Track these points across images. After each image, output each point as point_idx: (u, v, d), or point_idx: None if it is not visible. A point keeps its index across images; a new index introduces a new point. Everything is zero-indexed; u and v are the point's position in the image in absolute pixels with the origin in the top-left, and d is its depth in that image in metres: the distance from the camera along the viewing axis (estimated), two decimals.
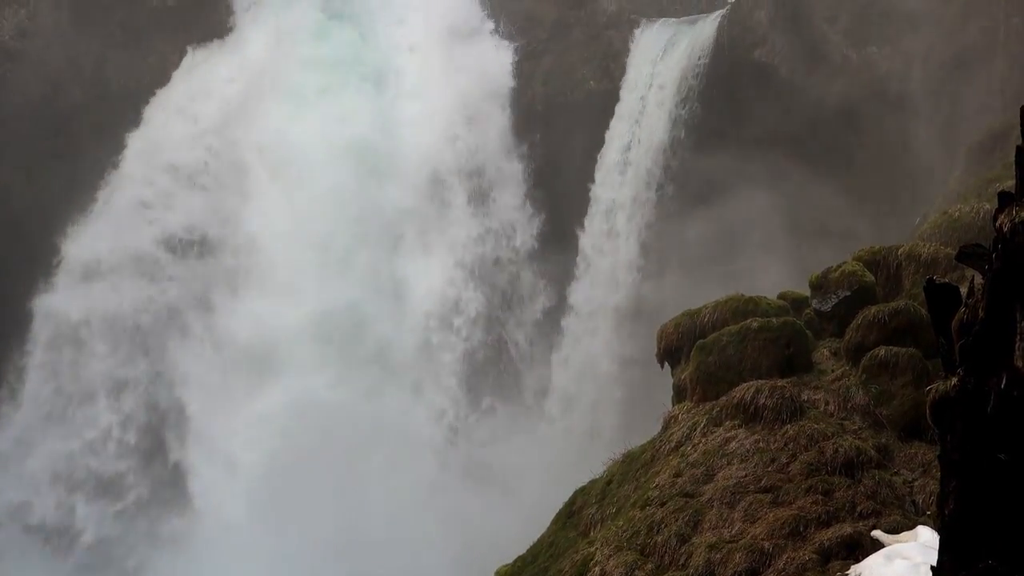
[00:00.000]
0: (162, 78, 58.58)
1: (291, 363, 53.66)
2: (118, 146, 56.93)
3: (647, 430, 24.03)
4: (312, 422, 51.41)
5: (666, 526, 19.02)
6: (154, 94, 58.19)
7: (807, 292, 24.21)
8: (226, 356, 54.53)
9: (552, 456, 50.33)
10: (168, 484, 54.06)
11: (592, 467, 24.02)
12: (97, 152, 56.84)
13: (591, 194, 55.71)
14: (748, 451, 19.57)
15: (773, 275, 40.73)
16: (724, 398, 21.23)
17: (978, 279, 8.77)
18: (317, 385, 52.75)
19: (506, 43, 59.73)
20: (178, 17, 59.50)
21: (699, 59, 54.10)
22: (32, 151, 57.74)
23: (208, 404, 53.70)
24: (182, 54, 59.00)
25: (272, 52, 58.38)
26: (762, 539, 17.67)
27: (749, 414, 20.43)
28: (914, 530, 14.86)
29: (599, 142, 55.80)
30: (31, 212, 56.34)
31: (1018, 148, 8.64)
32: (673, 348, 24.74)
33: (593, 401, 54.24)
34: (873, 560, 14.25)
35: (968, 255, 9.05)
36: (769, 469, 19.04)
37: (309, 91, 58.30)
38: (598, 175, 55.75)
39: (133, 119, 57.43)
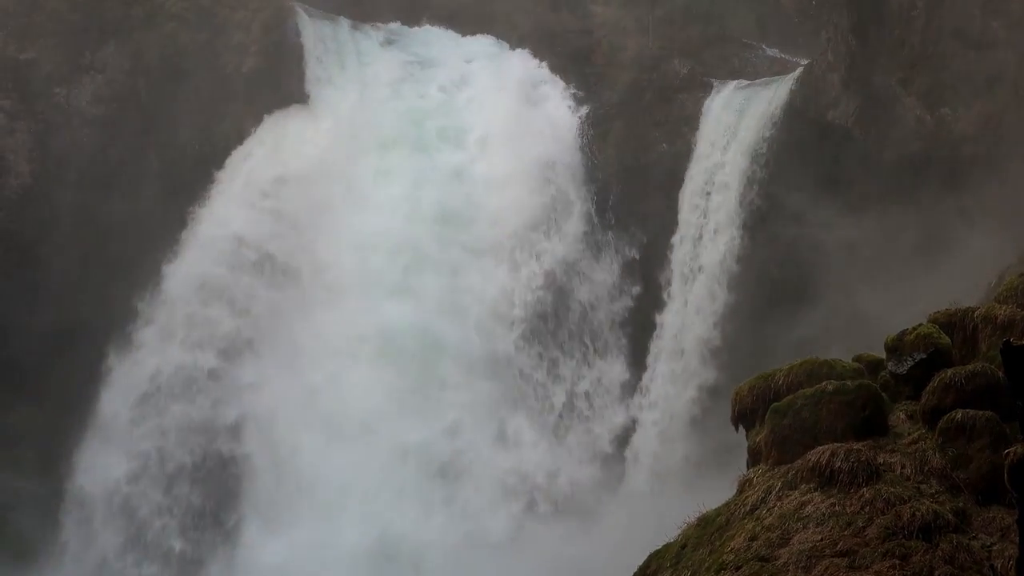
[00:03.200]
0: (237, 144, 59.19)
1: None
2: (191, 215, 57.70)
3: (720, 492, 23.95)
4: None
5: None
6: (229, 159, 58.80)
7: (882, 355, 24.07)
8: None
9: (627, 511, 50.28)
10: None
11: (665, 528, 23.95)
12: (170, 219, 57.53)
13: (669, 256, 55.70)
14: (824, 515, 19.43)
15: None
16: (799, 461, 21.11)
17: None
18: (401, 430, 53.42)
19: (578, 106, 59.97)
20: (253, 84, 60.12)
21: (772, 121, 54.07)
22: (107, 217, 58.35)
23: None
24: (257, 120, 59.59)
25: (346, 117, 58.89)
26: None
27: (825, 477, 20.30)
28: None
29: (673, 204, 55.84)
30: (109, 278, 56.92)
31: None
32: (747, 411, 24.63)
33: (668, 459, 54.05)
34: None
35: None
36: (845, 533, 18.90)
37: (383, 157, 58.70)
38: (673, 238, 55.79)
39: (207, 186, 58.05)
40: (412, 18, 65.65)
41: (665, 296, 56.01)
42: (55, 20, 60.14)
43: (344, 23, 63.09)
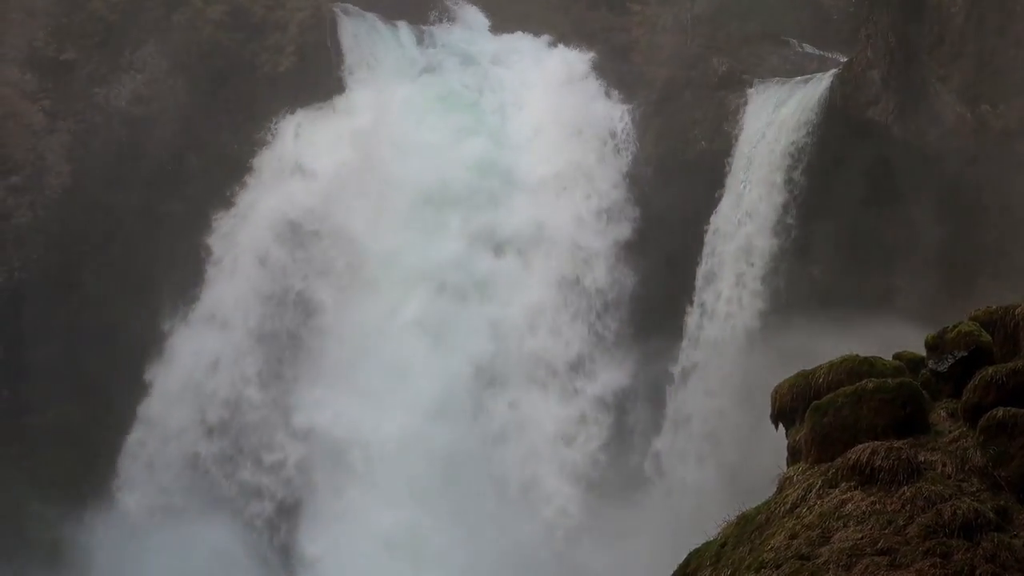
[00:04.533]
0: (276, 142, 59.36)
1: None
2: (231, 209, 57.89)
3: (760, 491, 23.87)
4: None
5: None
6: (266, 157, 59.00)
7: (923, 352, 23.97)
8: None
9: (664, 514, 50.20)
10: None
11: (704, 527, 23.90)
12: (211, 215, 57.76)
13: (703, 253, 55.59)
14: (864, 513, 19.34)
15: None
16: (839, 459, 21.01)
17: None
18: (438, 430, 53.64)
19: (618, 104, 59.90)
20: (290, 83, 60.27)
21: (811, 118, 53.90)
22: (149, 215, 58.62)
23: None
24: (296, 118, 59.74)
25: (380, 115, 58.99)
26: None
27: (865, 475, 20.20)
28: None
29: (712, 202, 55.74)
30: (149, 278, 57.16)
31: None
32: (787, 409, 24.54)
33: (704, 460, 53.95)
34: None
35: None
36: (886, 531, 18.80)
37: (420, 155, 58.77)
38: (710, 234, 55.66)
39: (245, 182, 58.26)
40: (449, 16, 65.63)
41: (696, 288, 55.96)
42: (94, 20, 60.41)
43: (380, 21, 63.15)
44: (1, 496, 55.06)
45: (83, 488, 56.08)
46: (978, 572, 17.57)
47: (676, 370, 55.83)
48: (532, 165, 58.77)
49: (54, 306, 58.09)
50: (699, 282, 55.77)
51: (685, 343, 55.85)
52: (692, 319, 55.69)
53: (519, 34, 63.92)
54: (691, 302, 55.82)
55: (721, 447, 52.99)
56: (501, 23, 64.70)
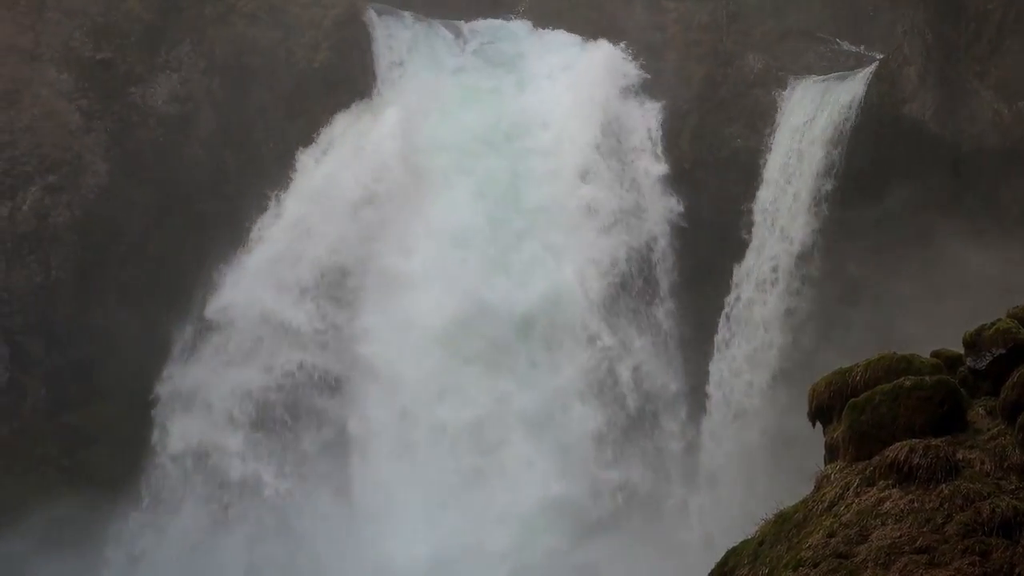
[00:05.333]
0: (311, 139, 59.43)
1: None
2: (268, 209, 57.98)
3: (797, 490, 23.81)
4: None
5: None
6: (303, 155, 59.06)
7: (961, 350, 23.87)
8: None
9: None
10: None
11: (744, 526, 23.84)
12: (249, 214, 57.86)
13: (741, 249, 55.50)
14: (902, 511, 19.26)
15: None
16: (877, 458, 20.93)
17: None
18: None
19: (653, 102, 59.79)
20: (326, 80, 60.32)
21: (848, 115, 53.74)
22: (187, 214, 58.82)
23: None
24: (330, 116, 59.78)
25: (418, 111, 59.00)
26: None
27: (903, 474, 20.12)
28: None
29: (748, 200, 55.64)
30: (186, 276, 57.33)
31: None
32: (824, 407, 24.46)
33: (743, 459, 53.88)
34: None
35: None
36: (924, 530, 18.73)
37: (456, 151, 58.78)
38: (746, 233, 55.59)
39: (283, 181, 58.34)
40: (483, 13, 65.63)
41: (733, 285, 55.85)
42: (130, 20, 60.59)
43: (415, 18, 63.18)
44: (38, 496, 55.30)
45: (121, 487, 56.27)
46: (1017, 570, 17.49)
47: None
48: (566, 163, 58.67)
49: (91, 305, 58.36)
50: (735, 280, 55.73)
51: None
52: (722, 332, 55.80)
53: (553, 31, 63.83)
54: (725, 305, 55.81)
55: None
56: (535, 21, 64.64)
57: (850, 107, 53.99)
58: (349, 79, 60.84)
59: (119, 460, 56.58)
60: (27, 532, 53.35)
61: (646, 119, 59.51)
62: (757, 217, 55.58)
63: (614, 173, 58.56)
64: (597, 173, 58.55)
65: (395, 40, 62.17)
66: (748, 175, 56.23)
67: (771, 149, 56.21)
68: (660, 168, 58.67)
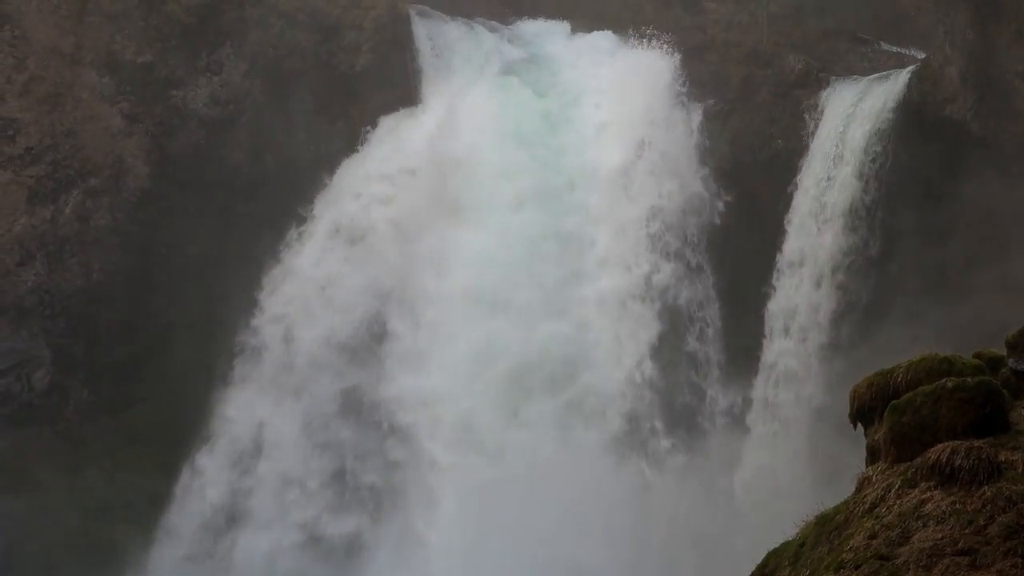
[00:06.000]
0: (352, 143, 59.53)
1: None
2: (309, 211, 58.13)
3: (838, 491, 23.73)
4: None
5: None
6: (343, 159, 59.17)
7: (1003, 351, 23.75)
8: None
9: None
10: None
11: (783, 527, 23.77)
12: (289, 218, 58.02)
13: (781, 250, 55.32)
14: (944, 513, 19.17)
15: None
16: (919, 459, 20.84)
17: None
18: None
19: (694, 103, 59.65)
20: (366, 83, 60.41)
21: (889, 116, 53.53)
22: (228, 217, 59.01)
23: None
24: (371, 119, 59.86)
25: (460, 115, 58.98)
26: None
27: (945, 475, 20.02)
28: None
29: (787, 201, 55.47)
30: (227, 277, 57.50)
31: None
32: (866, 408, 24.35)
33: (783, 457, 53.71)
34: None
35: None
36: (966, 531, 18.63)
37: (499, 153, 58.73)
38: (787, 233, 55.42)
39: (323, 184, 58.48)
40: (524, 15, 65.57)
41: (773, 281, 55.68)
42: (171, 23, 60.79)
43: (456, 21, 63.17)
44: (81, 496, 55.59)
45: (162, 489, 56.49)
46: None
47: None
48: (606, 164, 58.62)
49: (132, 307, 58.65)
50: (775, 277, 55.55)
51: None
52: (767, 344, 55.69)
53: (594, 34, 63.74)
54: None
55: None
56: (576, 23, 64.56)
57: (892, 108, 53.78)
58: (390, 81, 60.88)
59: (161, 462, 56.79)
60: (69, 531, 53.76)
61: (687, 121, 59.36)
62: (795, 219, 55.37)
63: (655, 176, 58.42)
64: (639, 175, 58.45)
65: (436, 42, 62.21)
66: (789, 176, 56.01)
67: (812, 150, 55.98)
68: (701, 170, 58.53)
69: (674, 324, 57.20)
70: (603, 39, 63.13)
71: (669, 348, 56.87)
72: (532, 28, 64.65)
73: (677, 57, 60.72)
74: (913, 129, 52.66)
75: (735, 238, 57.25)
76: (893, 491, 20.64)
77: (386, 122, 59.87)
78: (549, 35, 64.08)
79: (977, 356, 24.45)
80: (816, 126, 56.51)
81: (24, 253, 58.34)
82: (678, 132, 59.13)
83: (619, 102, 59.66)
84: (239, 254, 57.92)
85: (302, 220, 58.63)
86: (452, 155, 58.10)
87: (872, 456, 23.31)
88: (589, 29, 64.08)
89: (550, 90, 61.34)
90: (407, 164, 58.54)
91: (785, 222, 55.37)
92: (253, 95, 61.14)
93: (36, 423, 57.46)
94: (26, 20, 59.03)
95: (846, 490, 22.81)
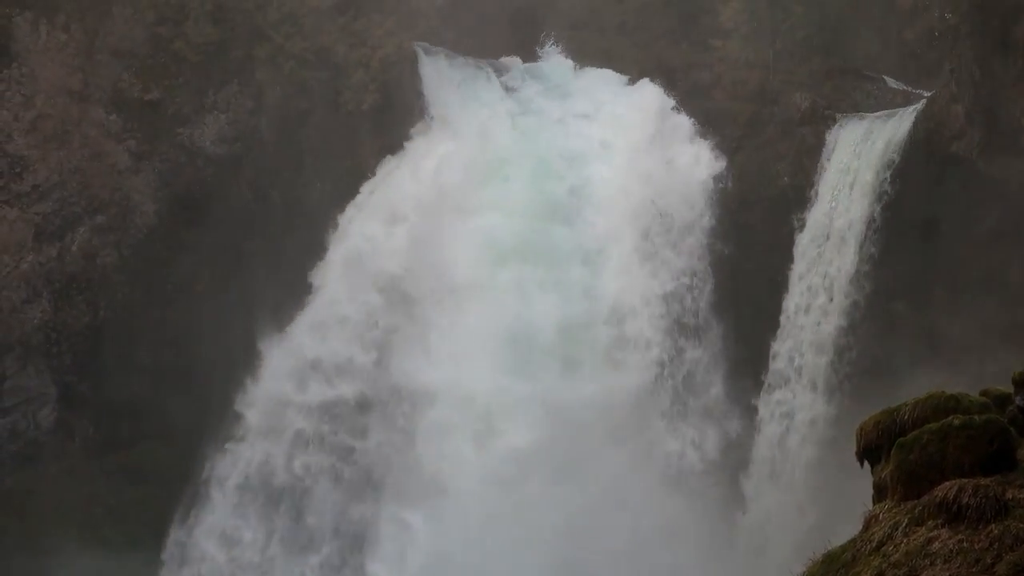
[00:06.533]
0: (359, 180, 59.54)
1: None
2: (318, 250, 58.12)
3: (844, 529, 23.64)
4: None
5: None
6: (352, 197, 59.19)
7: (1010, 389, 23.66)
8: None
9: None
10: None
11: (790, 565, 23.67)
12: (297, 256, 58.00)
13: (787, 287, 55.28)
14: (952, 551, 19.09)
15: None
16: (926, 497, 20.76)
17: None
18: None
19: (701, 140, 59.69)
20: (373, 121, 60.44)
21: (895, 153, 53.51)
22: (235, 254, 58.98)
23: None
24: (378, 156, 59.91)
25: (466, 152, 59.07)
26: None
27: (952, 513, 19.93)
28: None
29: (793, 237, 55.46)
30: (232, 315, 57.44)
31: None
32: (873, 446, 24.26)
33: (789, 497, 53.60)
34: None
35: None
36: (973, 570, 18.56)
37: (504, 190, 58.83)
38: (793, 270, 55.39)
39: (331, 223, 58.46)
40: (530, 54, 65.69)
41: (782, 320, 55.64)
42: (178, 61, 60.92)
43: (462, 59, 63.27)
44: (84, 533, 55.46)
45: (168, 526, 56.42)
46: None
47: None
48: (615, 202, 58.66)
49: (138, 345, 58.61)
50: (783, 318, 55.52)
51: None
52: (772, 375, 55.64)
53: (601, 72, 63.83)
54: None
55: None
56: (583, 61, 64.63)
57: (898, 145, 53.76)
58: (397, 119, 60.91)
59: (166, 500, 56.70)
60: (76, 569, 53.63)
61: (693, 157, 59.39)
62: (801, 256, 55.33)
63: (663, 213, 58.47)
64: (645, 212, 58.49)
65: (443, 80, 62.27)
66: (795, 214, 56.01)
67: (818, 187, 55.97)
68: (708, 204, 58.56)
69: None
70: (609, 77, 63.24)
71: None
72: (538, 67, 64.73)
73: (683, 94, 60.82)
74: (920, 167, 52.63)
75: (744, 276, 57.24)
76: (900, 529, 20.56)
77: (392, 160, 59.89)
78: (555, 73, 64.16)
79: (984, 393, 24.36)
80: (823, 164, 56.51)
81: (31, 290, 58.36)
82: (685, 170, 59.16)
83: (625, 140, 59.72)
84: (246, 292, 57.80)
85: (314, 258, 58.50)
86: (458, 192, 58.15)
87: (879, 494, 23.21)
88: (596, 67, 64.14)
89: (556, 127, 61.39)
90: (413, 201, 58.52)
91: (791, 258, 55.33)
92: (260, 133, 61.22)
93: (42, 460, 57.41)
94: (34, 58, 59.17)
95: (853, 528, 22.74)
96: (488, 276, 57.19)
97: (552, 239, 58.42)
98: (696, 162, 59.25)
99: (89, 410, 58.39)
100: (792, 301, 55.21)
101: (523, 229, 58.25)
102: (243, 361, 57.07)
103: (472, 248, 57.45)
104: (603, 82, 63.07)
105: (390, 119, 60.80)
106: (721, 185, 58.80)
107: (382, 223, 58.53)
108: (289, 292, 57.74)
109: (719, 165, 59.02)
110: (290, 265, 58.06)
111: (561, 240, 58.48)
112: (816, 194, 56.10)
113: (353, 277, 57.96)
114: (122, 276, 59.41)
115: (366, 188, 59.46)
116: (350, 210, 59.06)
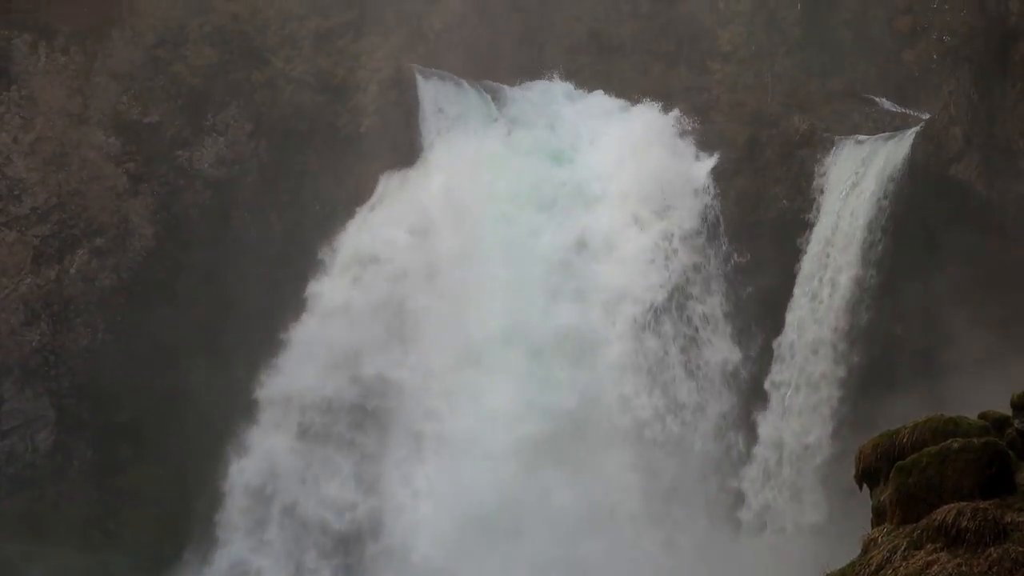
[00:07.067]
0: (357, 203, 59.52)
1: None
2: (317, 271, 58.07)
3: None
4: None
5: None
6: (350, 219, 59.17)
7: (1009, 412, 23.64)
8: None
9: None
10: None
11: None
12: (294, 279, 57.96)
13: (787, 310, 55.25)
14: (950, 575, 19.04)
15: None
16: (925, 520, 20.71)
17: None
18: None
19: (699, 163, 59.73)
20: (372, 143, 60.48)
21: (894, 176, 53.50)
22: (233, 277, 58.97)
23: None
24: (376, 179, 59.91)
25: (464, 175, 59.08)
26: None
27: (951, 537, 19.88)
28: None
29: (792, 260, 55.43)
30: (238, 343, 57.45)
31: None
32: (871, 469, 24.23)
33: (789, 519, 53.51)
34: None
35: None
36: None
37: (501, 213, 58.84)
38: (793, 294, 55.37)
39: (331, 244, 58.44)
40: (529, 77, 65.70)
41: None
42: (177, 84, 61.04)
43: (460, 82, 63.30)
44: (85, 557, 55.36)
45: (167, 550, 56.30)
46: None
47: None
48: (613, 224, 58.67)
49: (139, 367, 58.52)
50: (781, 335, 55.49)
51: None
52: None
53: (599, 94, 63.89)
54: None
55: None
56: (581, 83, 64.71)
57: (896, 168, 53.74)
58: (395, 142, 60.92)
59: (167, 523, 56.62)
60: None
61: (692, 180, 59.41)
62: (802, 279, 55.31)
63: (662, 236, 58.48)
64: (644, 235, 58.49)
65: (441, 103, 62.31)
66: (794, 237, 56.00)
67: (817, 210, 55.96)
68: (706, 227, 58.57)
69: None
70: (607, 100, 63.29)
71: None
72: (537, 89, 64.73)
73: (682, 117, 60.85)
74: (919, 189, 52.61)
75: (745, 301, 57.23)
76: (899, 553, 20.51)
77: (391, 182, 59.90)
78: (554, 96, 64.20)
79: (983, 416, 24.34)
80: (821, 186, 56.50)
81: (29, 313, 58.36)
82: (683, 193, 59.18)
83: (624, 163, 59.75)
84: (245, 315, 57.80)
85: (311, 280, 58.44)
86: (456, 214, 58.17)
87: (878, 517, 23.17)
88: (594, 90, 64.19)
89: (554, 150, 61.44)
90: (412, 224, 58.54)
91: (791, 282, 55.31)
92: (259, 155, 61.28)
93: (40, 483, 57.32)
94: (33, 80, 59.27)
95: (851, 552, 22.70)
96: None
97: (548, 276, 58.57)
98: (694, 184, 59.26)
99: (87, 433, 58.33)
100: (795, 315, 55.15)
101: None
102: (243, 384, 57.00)
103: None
104: (601, 107, 63.11)
105: (389, 141, 60.83)
106: (719, 208, 58.80)
107: (379, 245, 58.51)
108: (288, 313, 57.72)
109: (717, 188, 59.05)
110: (288, 286, 58.03)
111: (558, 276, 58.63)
112: (814, 217, 56.09)
113: (351, 298, 57.91)
114: (121, 299, 59.40)
115: (364, 210, 59.43)
116: (348, 231, 59.03)
